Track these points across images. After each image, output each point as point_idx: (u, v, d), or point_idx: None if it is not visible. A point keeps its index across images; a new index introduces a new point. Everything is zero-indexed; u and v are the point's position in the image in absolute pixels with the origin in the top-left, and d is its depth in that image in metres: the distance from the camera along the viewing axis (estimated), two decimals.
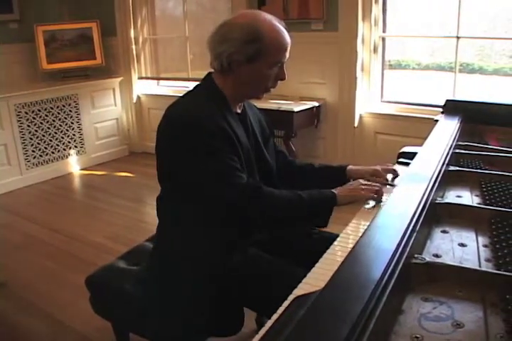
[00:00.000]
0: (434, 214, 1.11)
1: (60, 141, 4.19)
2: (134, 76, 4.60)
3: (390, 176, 1.54)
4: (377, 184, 1.37)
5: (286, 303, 0.91)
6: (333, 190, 1.33)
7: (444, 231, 1.08)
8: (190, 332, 1.35)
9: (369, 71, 3.42)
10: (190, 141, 1.25)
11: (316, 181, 1.56)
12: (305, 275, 1.03)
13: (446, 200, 1.20)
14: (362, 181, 1.37)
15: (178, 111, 1.32)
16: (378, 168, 1.54)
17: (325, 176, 1.56)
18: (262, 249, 1.41)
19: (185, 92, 1.40)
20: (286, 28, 1.34)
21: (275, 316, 0.87)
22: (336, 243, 1.17)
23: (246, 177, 1.28)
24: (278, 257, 1.39)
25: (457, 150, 1.56)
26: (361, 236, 0.93)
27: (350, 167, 1.56)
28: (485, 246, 1.01)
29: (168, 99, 1.38)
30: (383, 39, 3.39)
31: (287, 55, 1.35)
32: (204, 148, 1.25)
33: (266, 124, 1.56)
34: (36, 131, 3.98)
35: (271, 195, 1.29)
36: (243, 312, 1.38)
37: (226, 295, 1.31)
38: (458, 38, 3.08)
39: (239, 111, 1.43)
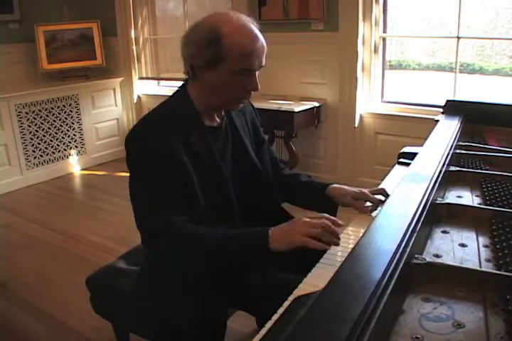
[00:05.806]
0: (435, 215, 1.11)
1: (60, 141, 4.19)
2: (135, 76, 4.60)
3: (381, 197, 1.37)
4: (324, 220, 1.08)
5: (286, 303, 0.91)
6: (269, 231, 1.08)
7: (444, 232, 1.08)
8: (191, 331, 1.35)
9: (369, 71, 3.42)
10: (136, 160, 1.21)
11: (298, 195, 1.51)
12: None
13: (447, 200, 1.20)
14: (305, 219, 1.10)
15: (137, 128, 1.23)
16: (365, 190, 1.37)
17: (306, 192, 1.47)
18: None
19: (162, 101, 1.32)
20: (261, 32, 1.19)
21: (275, 316, 0.87)
22: None
23: (177, 210, 1.16)
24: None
25: (458, 151, 1.56)
26: (361, 237, 0.93)
27: (332, 185, 1.41)
28: (485, 246, 1.01)
29: None
30: (384, 39, 3.39)
31: (257, 62, 1.19)
32: (145, 173, 1.18)
33: (260, 129, 1.50)
34: (37, 131, 3.98)
35: (182, 235, 1.15)
36: (226, 328, 1.33)
37: (219, 297, 1.29)
38: (458, 38, 3.08)
39: (218, 120, 1.33)
